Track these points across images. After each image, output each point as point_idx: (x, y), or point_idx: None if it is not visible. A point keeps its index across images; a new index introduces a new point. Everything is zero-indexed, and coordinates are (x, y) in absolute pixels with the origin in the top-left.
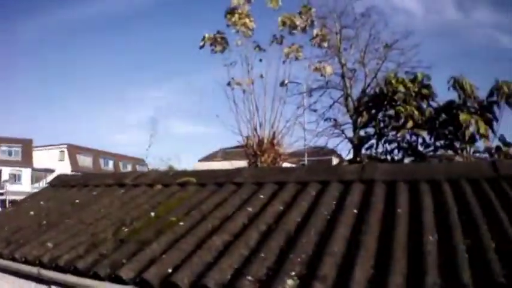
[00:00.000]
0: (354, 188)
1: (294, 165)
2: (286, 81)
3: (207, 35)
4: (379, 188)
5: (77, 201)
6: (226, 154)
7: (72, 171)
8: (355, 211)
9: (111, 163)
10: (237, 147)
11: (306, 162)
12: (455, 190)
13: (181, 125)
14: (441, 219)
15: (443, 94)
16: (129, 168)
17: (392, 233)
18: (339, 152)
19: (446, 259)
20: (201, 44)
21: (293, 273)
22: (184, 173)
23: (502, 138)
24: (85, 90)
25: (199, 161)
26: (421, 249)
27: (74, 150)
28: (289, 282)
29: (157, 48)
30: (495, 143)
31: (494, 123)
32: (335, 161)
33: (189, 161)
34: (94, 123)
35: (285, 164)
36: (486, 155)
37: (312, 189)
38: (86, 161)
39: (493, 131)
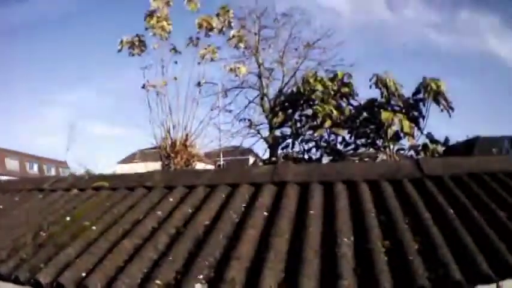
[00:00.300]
0: (264, 190)
1: (210, 166)
2: (201, 82)
3: (124, 39)
4: (291, 189)
5: (0, 206)
6: (144, 155)
7: (0, 174)
8: (266, 213)
9: (36, 166)
10: (153, 148)
11: (221, 162)
12: (375, 190)
13: (103, 127)
14: (358, 221)
15: (370, 92)
16: (53, 171)
17: (304, 235)
18: (256, 152)
19: (363, 262)
20: (119, 47)
21: (201, 276)
22: (100, 177)
23: (429, 136)
24: (5, 92)
25: (119, 163)
26: (335, 252)
27: (2, 154)
28: (197, 286)
29: (79, 51)
30: (422, 140)
31: (421, 120)
32: (252, 160)
33: (109, 163)
34: (17, 125)
35: (201, 165)
36: (412, 152)
37: (222, 191)
38: (12, 165)
39: (419, 129)
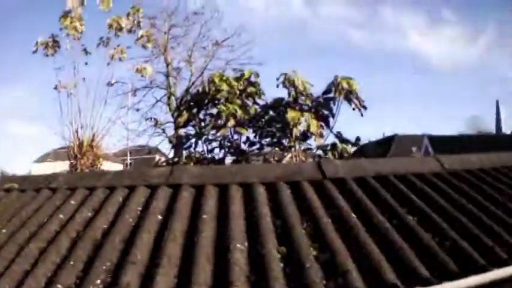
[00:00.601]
0: (160, 192)
1: (119, 165)
2: (111, 82)
3: (39, 40)
4: (186, 192)
5: None
6: (57, 155)
7: None
8: (160, 217)
9: None
10: (64, 148)
11: (129, 161)
12: (271, 193)
13: (21, 126)
14: (252, 226)
15: (280, 92)
16: None
17: (197, 240)
18: (163, 151)
19: (257, 268)
20: (34, 48)
21: (98, 281)
22: (11, 178)
23: (338, 135)
24: None
25: (34, 162)
26: (228, 257)
27: None
28: None
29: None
30: (332, 140)
31: (331, 120)
32: (159, 159)
33: (26, 162)
34: None
35: (110, 164)
36: (320, 152)
37: (119, 194)
38: None
39: (328, 128)
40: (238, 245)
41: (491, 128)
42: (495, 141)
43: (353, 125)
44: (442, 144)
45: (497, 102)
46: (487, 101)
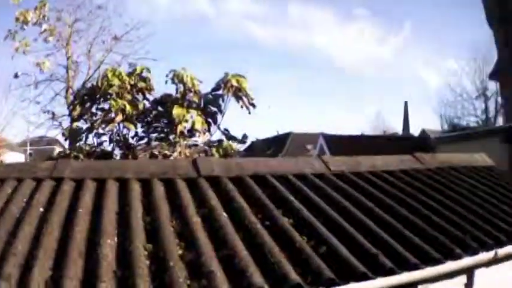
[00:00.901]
0: (44, 185)
1: (20, 155)
2: (16, 75)
3: None
4: (67, 186)
5: None
6: None
7: None
8: (42, 210)
9: None
10: None
11: (29, 151)
12: (146, 190)
13: None
14: (124, 221)
15: (171, 88)
16: None
17: (71, 234)
18: (62, 143)
19: (124, 264)
20: None
21: None
22: None
23: (225, 132)
24: None
25: None
26: (98, 252)
27: None
28: None
29: None
30: (219, 136)
31: (220, 116)
32: (57, 150)
33: None
34: None
35: (12, 154)
36: (207, 148)
37: (9, 186)
38: None
39: (216, 124)
40: (108, 241)
41: (399, 129)
42: (400, 142)
43: (251, 123)
44: (340, 144)
45: (405, 102)
46: (396, 100)
